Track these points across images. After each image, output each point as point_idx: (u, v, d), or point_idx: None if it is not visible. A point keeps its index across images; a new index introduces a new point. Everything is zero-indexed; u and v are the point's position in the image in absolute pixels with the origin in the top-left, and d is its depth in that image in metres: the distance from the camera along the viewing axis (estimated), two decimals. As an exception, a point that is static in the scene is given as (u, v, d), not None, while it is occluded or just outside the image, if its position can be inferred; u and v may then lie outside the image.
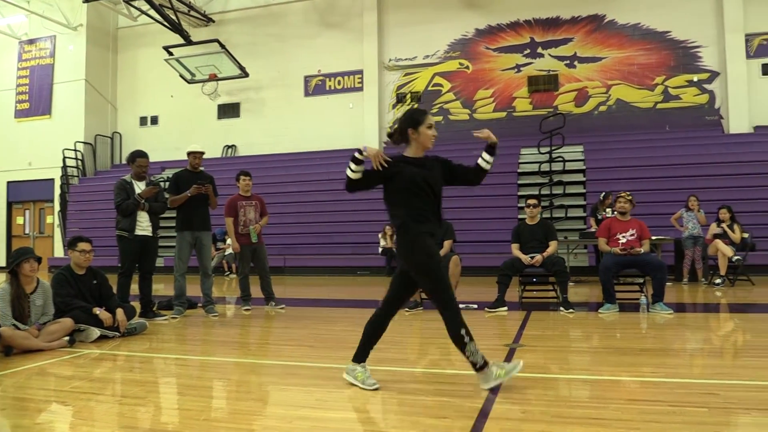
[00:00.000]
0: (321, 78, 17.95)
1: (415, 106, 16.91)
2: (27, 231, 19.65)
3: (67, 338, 5.18)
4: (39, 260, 5.28)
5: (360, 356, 3.74)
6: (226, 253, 13.14)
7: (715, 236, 9.87)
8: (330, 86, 17.89)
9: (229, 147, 18.67)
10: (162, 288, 8.13)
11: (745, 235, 9.85)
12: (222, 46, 16.87)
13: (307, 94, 18.00)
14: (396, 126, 3.74)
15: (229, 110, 18.85)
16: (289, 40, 18.17)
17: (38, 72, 19.54)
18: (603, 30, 15.98)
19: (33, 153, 19.16)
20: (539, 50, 16.34)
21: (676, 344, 5.24)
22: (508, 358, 4.43)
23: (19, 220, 19.81)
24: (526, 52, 16.41)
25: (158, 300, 7.37)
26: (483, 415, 3.09)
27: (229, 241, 12.21)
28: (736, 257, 9.64)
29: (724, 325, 6.50)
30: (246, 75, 17.52)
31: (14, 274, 5.10)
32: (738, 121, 14.87)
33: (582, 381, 4.01)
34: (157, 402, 3.73)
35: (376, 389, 3.56)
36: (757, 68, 14.94)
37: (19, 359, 4.71)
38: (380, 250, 13.20)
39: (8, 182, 19.74)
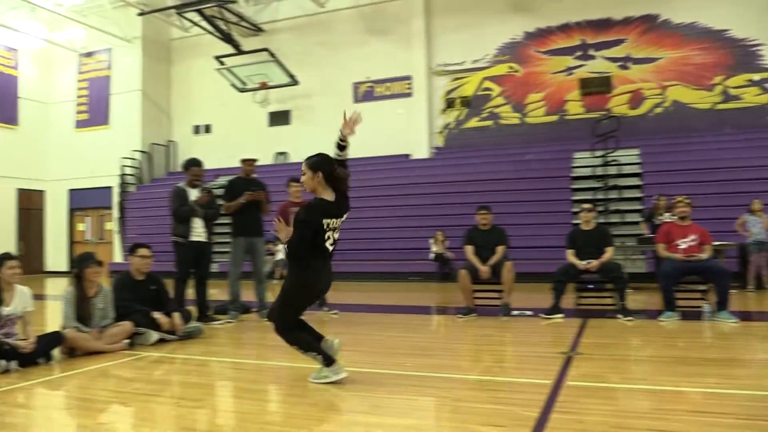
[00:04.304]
0: (370, 84, 18.02)
1: (465, 111, 16.82)
2: (88, 237, 20.33)
3: (127, 341, 5.33)
4: (101, 265, 5.45)
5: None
6: (277, 258, 13.29)
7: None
8: (379, 92, 17.94)
9: (280, 154, 18.92)
10: (217, 293, 8.26)
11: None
12: (272, 55, 17.13)
13: (356, 100, 18.07)
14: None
15: (279, 117, 19.10)
16: (337, 48, 18.31)
17: (96, 84, 20.20)
18: (657, 30, 15.52)
19: (93, 162, 19.80)
20: (591, 52, 15.99)
21: (743, 354, 5.03)
22: (565, 367, 4.32)
23: (81, 227, 20.52)
24: (577, 54, 16.09)
25: (214, 305, 7.49)
26: (540, 425, 3.02)
27: (280, 246, 12.33)
28: (803, 263, 9.20)
29: (792, 335, 6.20)
30: (296, 83, 17.74)
31: (78, 278, 5.28)
32: (803, 121, 14.22)
33: (642, 391, 3.89)
34: (214, 404, 3.80)
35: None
36: (824, 66, 14.24)
37: (82, 361, 4.86)
38: (432, 255, 13.17)
39: (70, 190, 20.47)
